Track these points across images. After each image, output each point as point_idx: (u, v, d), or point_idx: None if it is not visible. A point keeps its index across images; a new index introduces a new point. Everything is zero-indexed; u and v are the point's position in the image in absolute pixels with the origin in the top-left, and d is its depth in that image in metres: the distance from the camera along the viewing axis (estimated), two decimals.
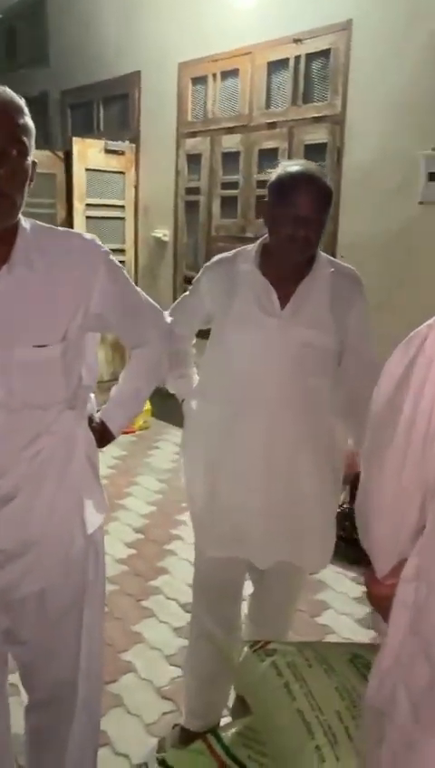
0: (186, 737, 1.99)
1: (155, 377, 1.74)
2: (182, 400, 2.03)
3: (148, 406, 5.23)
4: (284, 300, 1.78)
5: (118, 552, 3.27)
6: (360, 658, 1.55)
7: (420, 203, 3.45)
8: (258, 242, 1.87)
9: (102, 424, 1.64)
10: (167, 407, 4.77)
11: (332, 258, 1.91)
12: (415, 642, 0.95)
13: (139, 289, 1.60)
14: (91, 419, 1.59)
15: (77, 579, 1.48)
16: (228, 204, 4.66)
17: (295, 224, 1.70)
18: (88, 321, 1.41)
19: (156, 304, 1.67)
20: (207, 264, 1.96)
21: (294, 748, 1.39)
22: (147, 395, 1.76)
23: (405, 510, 0.99)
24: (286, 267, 1.79)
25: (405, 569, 0.99)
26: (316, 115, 3.95)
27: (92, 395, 1.60)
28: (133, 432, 5.06)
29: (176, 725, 2.11)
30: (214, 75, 4.62)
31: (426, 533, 0.96)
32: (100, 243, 1.45)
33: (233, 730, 1.71)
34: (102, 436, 1.62)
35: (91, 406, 1.60)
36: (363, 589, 3.06)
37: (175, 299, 4.24)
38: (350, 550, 3.10)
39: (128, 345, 1.71)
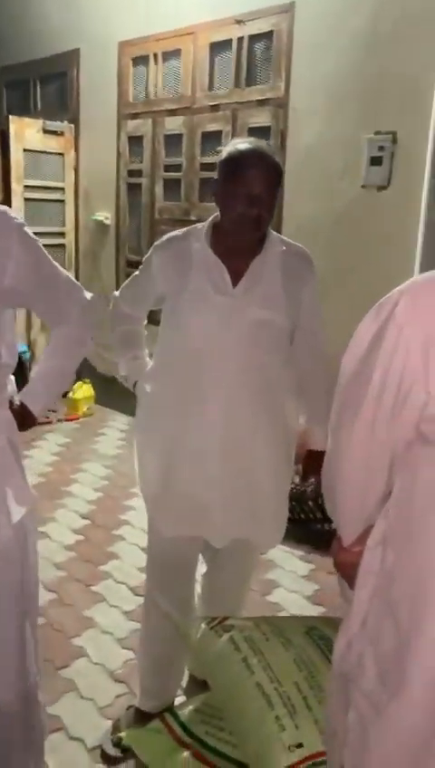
0: (140, 718, 1.99)
1: (78, 354, 1.69)
2: (135, 383, 2.00)
3: (91, 392, 5.16)
4: (236, 278, 1.78)
5: (66, 538, 3.22)
6: (316, 630, 1.57)
7: (363, 186, 3.49)
8: (209, 220, 1.86)
9: (23, 406, 1.58)
10: (110, 393, 4.72)
11: (283, 237, 1.92)
12: (381, 607, 0.97)
13: (57, 264, 1.56)
14: (11, 402, 1.54)
15: (6, 571, 1.43)
16: (172, 186, 4.62)
17: (248, 202, 1.69)
18: (2, 296, 1.37)
19: (75, 281, 1.64)
20: (158, 242, 1.94)
21: (255, 720, 1.41)
22: (70, 374, 1.72)
23: (372, 476, 1.00)
24: (238, 246, 1.79)
25: (371, 535, 1.01)
26: (260, 98, 3.95)
27: (12, 376, 1.54)
28: (77, 419, 4.99)
29: (130, 707, 2.10)
30: (155, 55, 4.55)
31: (392, 500, 0.97)
32: (14, 214, 1.41)
33: (190, 707, 1.71)
34: (23, 418, 1.56)
35: (11, 387, 1.54)
36: (312, 567, 3.12)
37: (118, 284, 4.18)
38: (298, 529, 3.16)
39: (48, 323, 1.67)
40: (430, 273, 0.91)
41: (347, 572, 1.08)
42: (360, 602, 1.00)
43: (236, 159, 1.73)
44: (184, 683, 2.18)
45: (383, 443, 0.95)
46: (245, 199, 1.69)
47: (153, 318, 2.03)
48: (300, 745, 1.33)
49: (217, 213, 1.81)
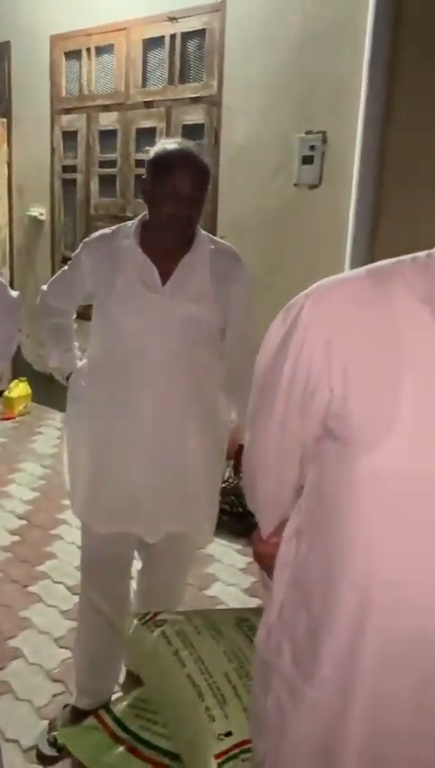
0: (77, 716, 1.99)
1: (6, 353, 1.68)
2: (68, 376, 2.00)
3: (28, 391, 5.09)
4: (165, 276, 1.80)
5: (2, 539, 3.18)
6: (246, 622, 1.61)
7: (295, 185, 3.55)
8: (138, 218, 1.87)
9: None
10: (48, 391, 4.67)
11: (211, 236, 1.94)
12: (296, 595, 1.01)
13: None
14: None
15: None
16: (107, 182, 4.59)
17: (176, 202, 1.71)
18: None
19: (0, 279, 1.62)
20: (87, 239, 1.94)
21: (186, 711, 1.43)
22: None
23: (286, 468, 1.03)
24: (167, 244, 1.80)
25: (287, 527, 1.05)
26: (193, 95, 3.96)
27: None
28: (14, 418, 4.92)
29: (66, 706, 2.10)
30: (88, 50, 4.51)
31: (304, 494, 1.01)
32: None
33: (124, 703, 1.72)
34: None
35: None
36: (249, 560, 3.17)
37: None
38: (235, 523, 3.21)
39: None
40: (332, 278, 0.95)
41: (266, 563, 1.12)
42: (277, 591, 1.04)
43: (164, 160, 1.74)
44: (122, 679, 2.19)
45: (295, 437, 0.99)
46: (173, 199, 1.71)
47: (83, 313, 2.03)
48: (229, 734, 1.36)
49: (147, 212, 1.82)
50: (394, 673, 0.90)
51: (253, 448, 1.08)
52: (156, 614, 1.65)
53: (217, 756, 1.35)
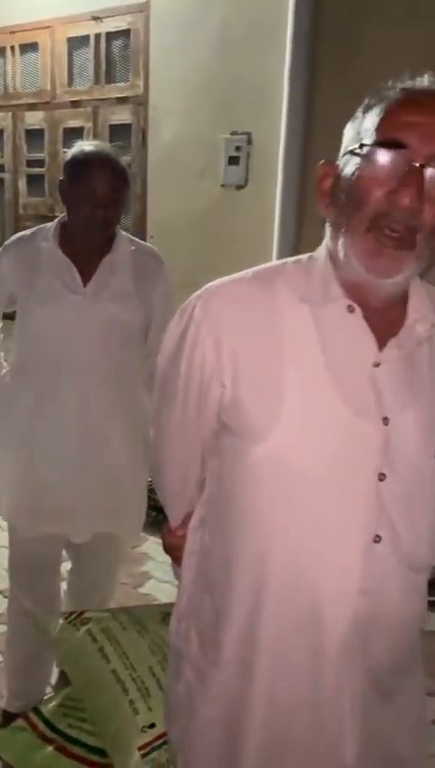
0: (7, 719, 1.98)
1: None
2: None
3: None
4: (86, 277, 1.81)
5: None
6: (170, 615, 1.64)
7: (222, 185, 3.60)
8: (57, 220, 1.88)
9: None
10: None
11: (132, 237, 1.97)
12: (201, 583, 1.05)
13: None
14: None
15: None
16: (36, 182, 4.54)
17: (94, 205, 1.72)
18: None
19: None
20: (6, 243, 1.94)
21: (111, 706, 1.45)
22: None
23: (190, 464, 1.08)
24: (87, 246, 1.82)
25: (192, 518, 1.10)
26: (119, 95, 3.96)
27: None
28: None
29: None
30: (12, 48, 4.45)
31: (206, 486, 1.06)
32: None
33: (53, 703, 1.72)
34: None
35: None
36: None
37: None
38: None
39: None
40: (221, 280, 1.01)
41: (175, 554, 1.17)
42: (185, 581, 1.08)
43: (82, 162, 1.75)
44: (54, 681, 2.19)
45: (196, 432, 1.04)
46: (90, 201, 1.72)
47: (9, 313, 2.02)
48: (153, 725, 1.39)
49: (65, 213, 1.83)
50: (290, 651, 0.95)
51: (158, 444, 1.12)
52: (82, 612, 1.66)
53: (140, 748, 1.37)
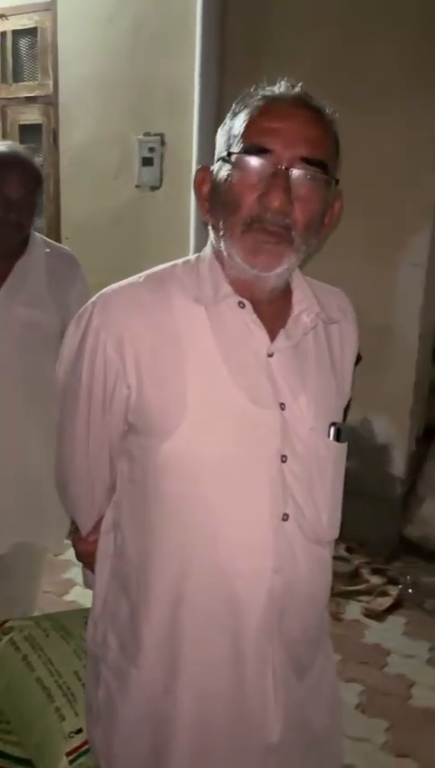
0: None
1: None
2: None
3: None
4: None
5: None
6: None
7: (137, 186, 3.59)
8: None
9: None
10: None
11: (46, 239, 1.93)
12: (116, 585, 1.06)
13: None
14: None
15: None
16: None
17: (6, 207, 1.68)
18: None
19: None
20: None
21: (36, 715, 1.42)
22: None
23: (97, 469, 1.08)
24: None
25: (104, 522, 1.10)
26: (29, 95, 3.89)
27: None
28: None
29: None
30: None
31: (117, 488, 1.07)
32: None
33: None
34: None
35: None
36: None
37: None
38: None
39: None
40: (115, 285, 1.02)
41: (88, 560, 1.17)
42: (100, 584, 1.09)
43: None
44: None
45: (102, 436, 1.04)
46: (2, 204, 1.68)
47: None
48: (80, 731, 1.37)
49: None
50: (212, 639, 0.97)
51: (62, 452, 1.12)
52: (4, 622, 1.62)
53: (68, 753, 1.35)
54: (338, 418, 1.05)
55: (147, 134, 3.51)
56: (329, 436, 1.02)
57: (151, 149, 3.52)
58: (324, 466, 1.02)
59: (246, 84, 1.03)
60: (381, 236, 3.06)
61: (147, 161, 3.55)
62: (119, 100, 3.58)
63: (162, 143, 3.48)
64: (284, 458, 0.97)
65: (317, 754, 1.08)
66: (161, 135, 3.48)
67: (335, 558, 3.21)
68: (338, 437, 1.03)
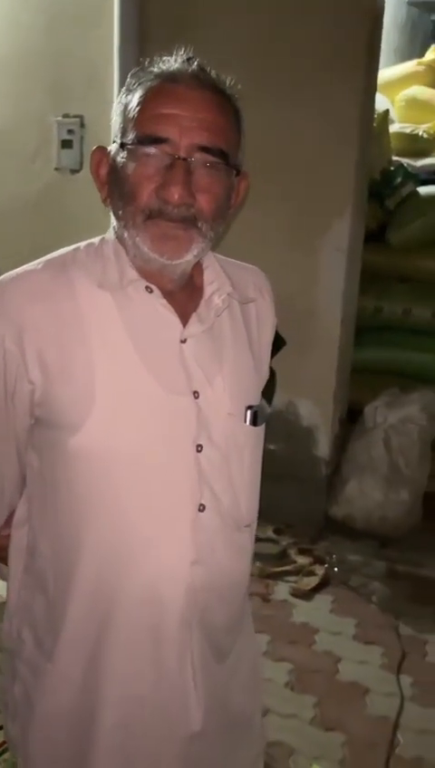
0: None
1: None
2: None
3: None
4: None
5: None
6: None
7: (56, 169, 3.50)
8: None
9: None
10: None
11: None
12: (30, 580, 1.03)
13: None
14: None
15: None
16: None
17: None
18: None
19: None
20: None
21: None
22: None
23: (3, 465, 1.03)
24: None
25: (16, 516, 1.06)
26: None
27: None
28: None
29: None
30: None
31: (27, 482, 1.03)
32: None
33: None
34: None
35: None
36: None
37: None
38: None
39: None
40: (9, 274, 0.97)
41: (1, 555, 1.12)
42: (14, 579, 1.06)
43: None
44: None
45: (6, 432, 0.99)
46: None
47: None
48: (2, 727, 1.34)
49: None
50: (133, 634, 0.96)
51: None
52: None
53: None
54: (256, 400, 1.04)
55: (66, 116, 3.41)
56: (245, 421, 1.00)
57: (71, 131, 3.42)
58: (241, 452, 1.00)
59: None
60: (302, 222, 3.08)
61: (66, 143, 3.45)
62: (34, 81, 3.47)
63: (82, 125, 3.39)
64: (199, 448, 0.95)
65: (238, 736, 1.08)
66: (81, 117, 3.39)
67: (263, 540, 3.26)
68: (254, 421, 1.00)
